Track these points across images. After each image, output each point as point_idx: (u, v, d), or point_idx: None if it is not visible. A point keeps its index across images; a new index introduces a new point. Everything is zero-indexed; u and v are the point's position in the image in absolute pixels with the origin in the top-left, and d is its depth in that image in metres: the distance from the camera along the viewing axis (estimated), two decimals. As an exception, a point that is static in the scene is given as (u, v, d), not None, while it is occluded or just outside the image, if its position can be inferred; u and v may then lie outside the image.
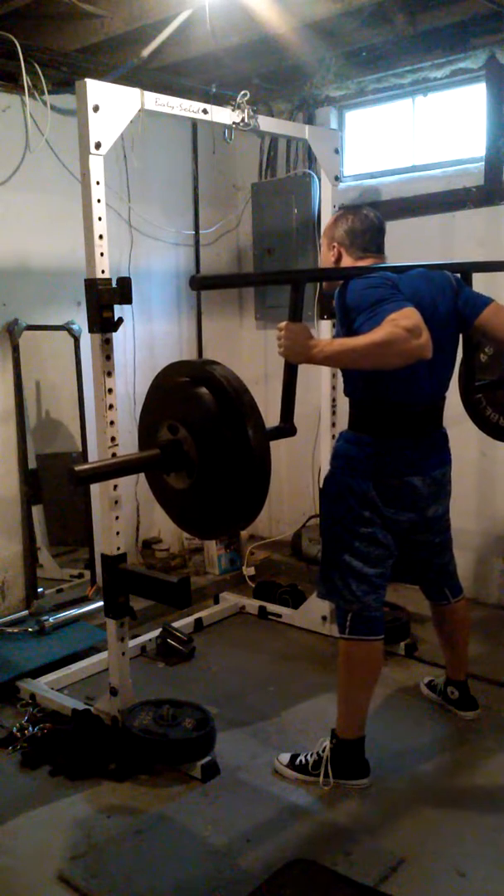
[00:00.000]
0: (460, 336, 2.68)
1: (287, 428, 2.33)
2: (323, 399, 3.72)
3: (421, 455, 2.56)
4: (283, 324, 2.27)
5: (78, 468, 2.00)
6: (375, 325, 2.17)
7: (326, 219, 3.65)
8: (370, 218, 2.59)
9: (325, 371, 3.66)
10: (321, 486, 2.75)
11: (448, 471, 2.68)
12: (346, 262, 2.58)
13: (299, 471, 4.55)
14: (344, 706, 2.62)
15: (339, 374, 3.74)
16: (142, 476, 4.35)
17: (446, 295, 2.55)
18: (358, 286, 2.36)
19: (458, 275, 2.72)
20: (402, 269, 2.50)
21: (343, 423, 3.79)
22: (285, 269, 4.45)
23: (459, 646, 2.99)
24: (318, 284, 3.79)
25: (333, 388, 3.70)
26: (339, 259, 2.60)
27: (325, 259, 2.66)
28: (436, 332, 2.25)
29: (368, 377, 2.48)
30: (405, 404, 2.51)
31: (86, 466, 2.04)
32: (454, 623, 2.94)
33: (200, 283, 2.98)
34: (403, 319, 2.13)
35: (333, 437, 3.73)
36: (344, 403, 3.95)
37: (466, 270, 2.80)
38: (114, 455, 2.76)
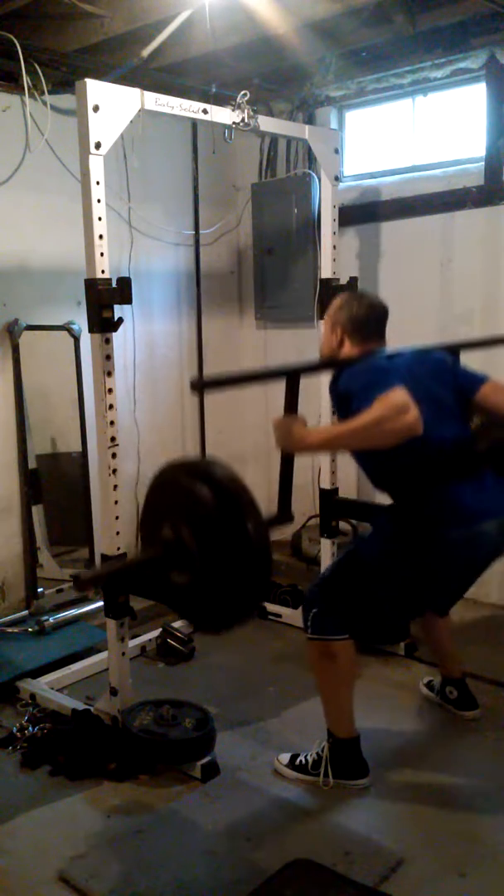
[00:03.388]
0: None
1: (284, 517, 2.46)
2: (323, 398, 3.72)
3: (481, 498, 2.47)
4: (278, 418, 2.38)
5: (80, 576, 2.08)
6: (366, 407, 2.22)
7: (326, 219, 3.66)
8: (374, 306, 2.66)
9: (325, 374, 3.66)
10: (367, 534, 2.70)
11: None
12: (348, 347, 2.62)
13: (299, 471, 4.51)
14: (327, 706, 2.63)
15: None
16: (142, 476, 4.37)
17: (442, 373, 2.61)
18: (350, 374, 2.45)
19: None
20: (395, 354, 2.57)
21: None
22: (285, 269, 4.45)
23: (445, 643, 3.01)
24: (318, 285, 3.79)
25: (333, 412, 3.69)
26: (341, 343, 2.63)
27: (327, 341, 2.69)
28: (433, 403, 2.37)
29: (380, 461, 2.48)
30: (425, 457, 2.44)
31: (88, 574, 2.13)
32: (435, 621, 2.98)
33: (202, 386, 3.04)
34: (391, 398, 2.19)
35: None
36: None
37: (456, 349, 2.88)
38: (114, 455, 2.76)
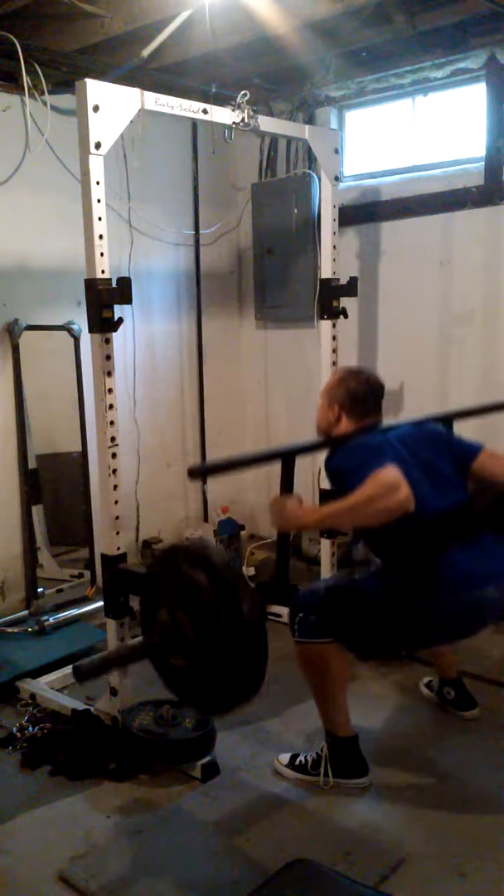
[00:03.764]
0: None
1: (283, 593, 2.56)
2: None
3: (481, 562, 2.48)
4: (274, 497, 2.46)
5: (80, 665, 2.12)
6: (359, 485, 2.25)
7: (326, 219, 3.66)
8: (370, 383, 2.70)
9: (326, 368, 3.66)
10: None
11: None
12: (345, 423, 2.66)
13: (299, 471, 4.54)
14: (321, 707, 2.63)
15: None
16: (142, 476, 4.37)
17: (438, 444, 2.66)
18: (344, 452, 2.52)
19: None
20: (389, 429, 2.63)
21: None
22: (285, 269, 4.45)
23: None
24: (318, 285, 3.79)
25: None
26: (338, 420, 2.67)
27: (324, 416, 2.72)
28: (430, 474, 2.45)
29: (378, 533, 2.50)
30: (422, 527, 2.43)
31: (86, 662, 2.18)
32: None
33: (200, 472, 3.09)
34: (383, 477, 2.23)
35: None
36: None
37: (450, 419, 2.94)
38: (114, 455, 2.76)
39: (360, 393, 2.66)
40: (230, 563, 2.11)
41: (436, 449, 2.63)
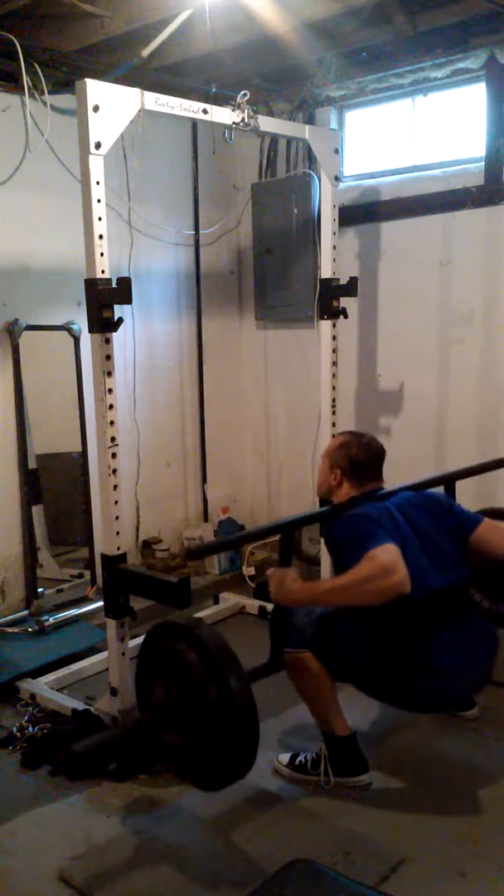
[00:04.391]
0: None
1: (276, 665, 2.57)
2: (323, 398, 3.73)
3: (462, 648, 2.47)
4: (272, 570, 2.46)
5: (77, 748, 2.18)
6: (356, 562, 2.25)
7: (326, 219, 3.66)
8: (372, 449, 2.70)
9: (326, 369, 3.66)
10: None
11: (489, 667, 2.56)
12: (346, 489, 2.67)
13: (299, 471, 4.55)
14: (314, 711, 2.65)
15: (338, 371, 3.75)
16: (142, 476, 4.37)
17: (439, 515, 2.64)
18: (342, 526, 2.51)
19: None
20: (388, 495, 2.62)
21: (343, 423, 3.81)
22: (285, 269, 4.45)
23: None
24: (318, 285, 3.79)
25: (333, 388, 3.71)
26: (339, 484, 2.68)
27: (325, 478, 2.74)
28: (428, 548, 2.45)
29: (369, 613, 2.47)
30: (412, 607, 2.39)
31: (85, 744, 2.24)
32: None
33: (197, 555, 3.12)
34: (380, 557, 2.22)
35: (333, 436, 3.73)
36: (344, 403, 3.97)
37: (451, 481, 2.96)
38: (114, 455, 2.76)
39: (361, 458, 2.66)
40: (220, 641, 2.12)
41: (435, 518, 2.60)
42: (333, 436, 3.66)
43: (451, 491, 3.04)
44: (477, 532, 2.63)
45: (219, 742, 2.06)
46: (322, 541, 3.82)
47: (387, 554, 2.22)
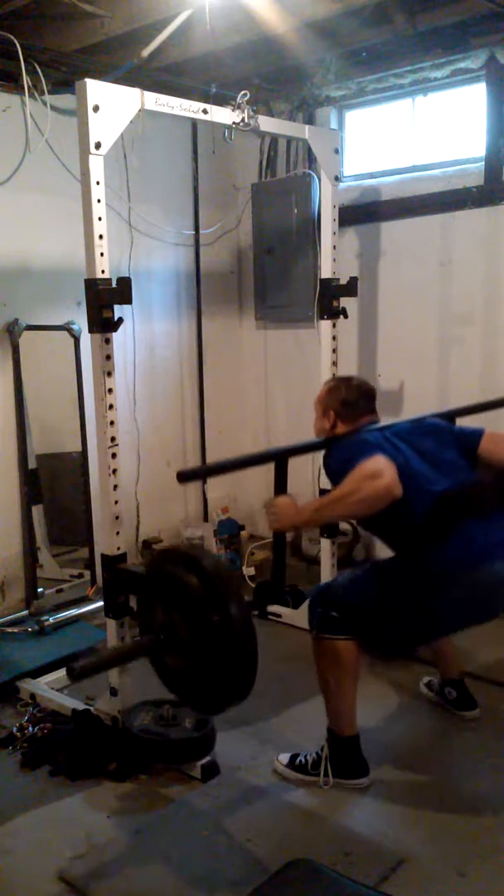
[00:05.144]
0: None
1: (278, 595, 2.65)
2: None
3: (490, 536, 2.47)
4: (268, 500, 2.51)
5: (76, 666, 2.15)
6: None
7: (326, 219, 3.66)
8: (360, 387, 2.77)
9: (326, 368, 3.66)
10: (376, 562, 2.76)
11: None
12: (341, 428, 2.72)
13: (300, 471, 4.54)
14: (328, 704, 2.63)
15: (338, 371, 3.75)
16: (142, 476, 4.37)
17: (441, 433, 2.70)
18: (336, 451, 2.61)
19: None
20: (387, 426, 2.67)
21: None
22: (285, 269, 4.45)
23: (443, 644, 3.01)
24: (318, 285, 3.79)
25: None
26: (334, 426, 2.73)
27: (320, 425, 2.78)
28: (433, 461, 2.51)
29: (390, 527, 2.55)
30: (429, 511, 2.45)
31: (85, 663, 2.23)
32: None
33: (189, 477, 3.17)
34: (365, 466, 2.30)
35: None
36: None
37: (452, 416, 2.96)
38: (114, 455, 2.76)
39: (350, 400, 2.73)
40: (220, 565, 2.15)
41: (439, 440, 2.66)
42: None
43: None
44: (482, 444, 2.69)
45: (218, 665, 2.06)
46: (322, 541, 3.83)
47: (373, 462, 2.30)
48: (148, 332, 4.39)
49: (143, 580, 2.37)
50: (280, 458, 2.71)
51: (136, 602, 2.46)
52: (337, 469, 2.49)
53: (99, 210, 2.63)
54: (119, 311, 2.66)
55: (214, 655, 2.04)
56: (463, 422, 2.96)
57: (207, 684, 2.12)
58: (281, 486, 2.64)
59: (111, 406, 2.73)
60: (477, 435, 2.73)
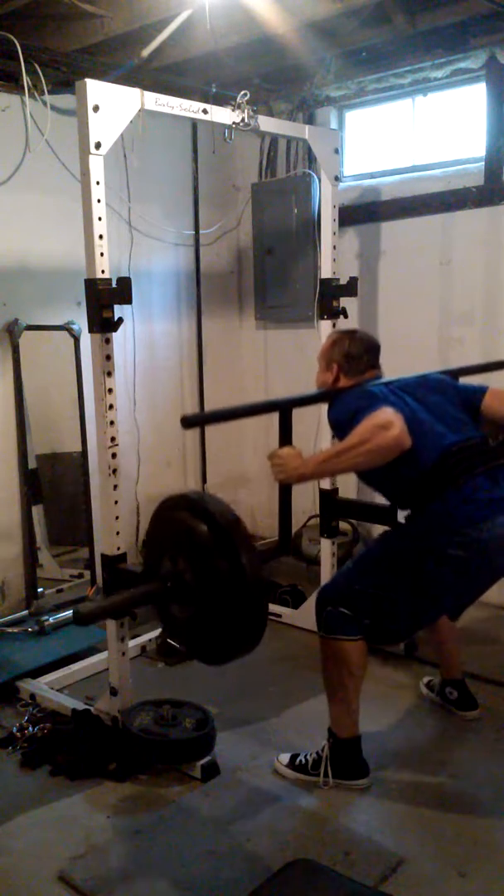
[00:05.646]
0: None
1: (284, 548, 2.54)
2: (322, 424, 3.72)
3: (492, 494, 2.46)
4: (272, 451, 2.45)
5: (82, 608, 2.12)
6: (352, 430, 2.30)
7: (326, 219, 3.66)
8: (365, 341, 2.75)
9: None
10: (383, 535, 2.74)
11: None
12: (343, 381, 2.69)
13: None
14: (332, 705, 2.62)
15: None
16: (142, 476, 4.37)
17: (445, 388, 2.68)
18: (341, 402, 2.56)
19: None
20: (392, 380, 2.64)
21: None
22: (285, 269, 4.45)
23: (448, 643, 3.01)
24: (318, 285, 3.79)
25: (333, 437, 3.68)
26: (337, 379, 2.70)
27: (323, 377, 2.76)
28: (438, 414, 2.49)
29: (392, 480, 2.53)
30: (434, 464, 2.44)
31: (91, 606, 2.18)
32: (446, 626, 2.96)
33: (192, 422, 3.14)
34: (374, 417, 2.28)
35: (333, 437, 3.72)
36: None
37: (454, 375, 2.92)
38: (114, 455, 2.76)
39: (354, 353, 2.69)
40: (229, 511, 2.07)
41: (444, 395, 2.65)
42: (333, 436, 3.66)
43: None
44: (485, 400, 2.67)
45: (228, 616, 2.01)
46: (322, 541, 3.83)
47: (383, 413, 2.27)
48: (148, 332, 4.39)
49: (150, 527, 2.30)
50: (284, 409, 2.61)
51: (141, 548, 2.40)
52: (342, 420, 2.45)
53: (99, 210, 2.63)
54: (119, 311, 2.66)
55: (225, 605, 1.99)
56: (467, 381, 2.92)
57: (215, 635, 2.08)
58: (285, 437, 2.55)
59: (111, 406, 2.73)
60: (480, 392, 2.70)
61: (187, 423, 2.62)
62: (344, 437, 2.40)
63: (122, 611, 2.49)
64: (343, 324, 3.77)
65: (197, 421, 3.52)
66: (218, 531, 2.00)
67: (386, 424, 2.24)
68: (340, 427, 2.48)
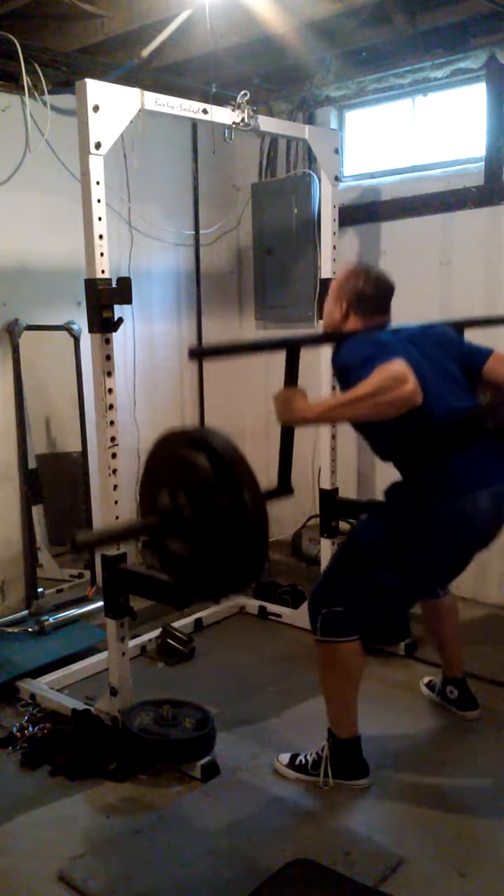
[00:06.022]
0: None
1: (284, 489, 2.43)
2: (323, 398, 3.72)
3: (476, 468, 2.46)
4: (277, 392, 2.36)
5: (79, 537, 2.09)
6: (364, 378, 2.22)
7: (326, 219, 3.66)
8: (381, 282, 2.65)
9: (326, 370, 3.66)
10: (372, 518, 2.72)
11: None
12: (352, 321, 2.61)
13: (300, 471, 4.52)
14: (330, 707, 2.62)
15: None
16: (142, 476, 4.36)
17: (448, 345, 2.62)
18: (350, 347, 2.45)
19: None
20: (399, 329, 2.60)
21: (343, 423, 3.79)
22: (285, 269, 4.45)
23: (451, 642, 3.00)
24: (318, 285, 3.79)
25: (333, 387, 3.70)
26: (346, 317, 2.62)
27: (330, 309, 2.68)
28: (440, 373, 2.40)
29: (386, 433, 2.48)
30: (432, 426, 2.43)
31: (88, 535, 2.13)
32: (443, 618, 2.96)
33: (199, 353, 3.08)
34: (390, 368, 2.19)
35: (333, 436, 3.73)
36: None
37: (460, 326, 2.87)
38: (114, 455, 2.76)
39: (369, 294, 2.60)
40: (231, 446, 1.99)
41: (446, 349, 2.58)
42: (333, 436, 3.66)
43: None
44: (488, 363, 2.61)
45: (227, 553, 1.95)
46: (322, 541, 3.83)
47: (397, 365, 2.18)
48: (148, 332, 4.39)
49: (148, 461, 2.23)
50: (291, 347, 2.49)
51: (138, 484, 2.29)
52: (351, 367, 2.35)
53: (99, 210, 2.64)
54: (119, 311, 2.66)
55: (226, 542, 1.93)
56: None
57: (212, 571, 2.02)
58: (291, 377, 2.42)
59: (111, 406, 2.73)
60: (485, 354, 2.64)
61: (194, 354, 2.55)
62: (348, 384, 2.33)
63: (118, 538, 2.40)
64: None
65: (204, 352, 3.41)
66: (220, 466, 1.92)
67: (401, 377, 2.16)
68: (347, 372, 2.37)
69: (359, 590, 2.53)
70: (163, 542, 2.10)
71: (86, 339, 3.00)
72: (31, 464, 3.84)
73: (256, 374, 4.85)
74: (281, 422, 2.39)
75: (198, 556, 2.02)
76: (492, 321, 3.29)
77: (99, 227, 2.64)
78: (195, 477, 1.96)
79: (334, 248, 3.67)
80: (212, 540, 1.95)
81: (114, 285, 2.65)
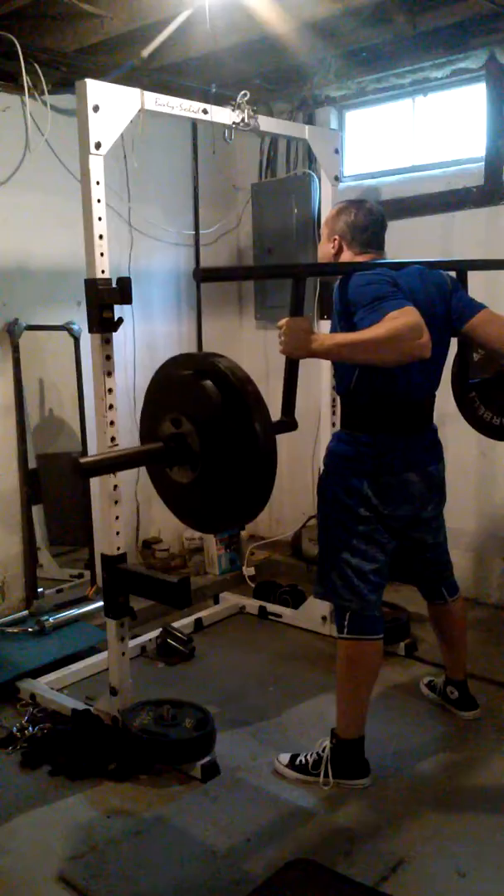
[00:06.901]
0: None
1: (289, 422, 2.31)
2: (323, 398, 3.72)
3: (416, 451, 2.57)
4: (284, 319, 2.24)
5: (82, 460, 2.00)
6: (375, 321, 2.17)
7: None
8: (373, 213, 2.59)
9: (326, 370, 3.66)
10: (318, 486, 2.75)
11: (442, 468, 2.69)
12: (346, 256, 2.58)
13: (299, 470, 4.55)
14: (343, 706, 2.62)
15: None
16: (142, 476, 4.37)
17: (441, 294, 2.55)
18: (359, 281, 2.35)
19: (454, 275, 2.72)
20: (399, 265, 2.50)
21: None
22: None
23: (457, 645, 2.99)
24: (318, 285, 3.79)
25: (334, 387, 3.70)
26: (339, 252, 2.59)
27: (324, 250, 2.64)
28: (432, 331, 2.25)
29: (362, 374, 2.48)
30: (400, 400, 2.51)
31: (90, 459, 2.05)
32: (451, 622, 2.94)
33: (204, 275, 3.02)
34: (404, 318, 2.14)
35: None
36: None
37: (462, 269, 2.79)
38: (114, 455, 2.75)
39: (360, 224, 2.54)
40: (241, 371, 1.92)
41: (439, 294, 2.53)
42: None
43: (461, 281, 2.79)
44: (473, 320, 2.54)
45: (233, 481, 1.88)
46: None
47: (413, 314, 2.14)
48: (148, 332, 4.39)
49: (150, 388, 2.15)
50: (299, 276, 2.29)
51: (140, 409, 2.22)
52: (358, 301, 2.28)
53: (99, 210, 2.64)
54: (119, 311, 2.66)
55: (232, 473, 1.85)
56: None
57: (214, 503, 1.96)
58: (297, 306, 2.26)
59: (111, 406, 2.73)
60: (476, 308, 2.56)
61: (200, 276, 2.50)
62: (350, 318, 2.29)
63: (121, 465, 2.30)
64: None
65: (210, 276, 3.34)
66: (229, 391, 1.83)
67: (420, 329, 2.11)
68: (354, 306, 2.30)
69: (336, 568, 2.58)
70: (163, 470, 2.03)
71: (86, 339, 2.99)
72: (31, 464, 3.84)
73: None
74: (287, 354, 2.27)
75: (202, 485, 1.94)
76: (491, 264, 3.29)
77: (99, 227, 2.64)
78: (201, 402, 1.87)
79: (334, 248, 3.67)
80: (217, 469, 1.87)
81: (114, 285, 2.65)
